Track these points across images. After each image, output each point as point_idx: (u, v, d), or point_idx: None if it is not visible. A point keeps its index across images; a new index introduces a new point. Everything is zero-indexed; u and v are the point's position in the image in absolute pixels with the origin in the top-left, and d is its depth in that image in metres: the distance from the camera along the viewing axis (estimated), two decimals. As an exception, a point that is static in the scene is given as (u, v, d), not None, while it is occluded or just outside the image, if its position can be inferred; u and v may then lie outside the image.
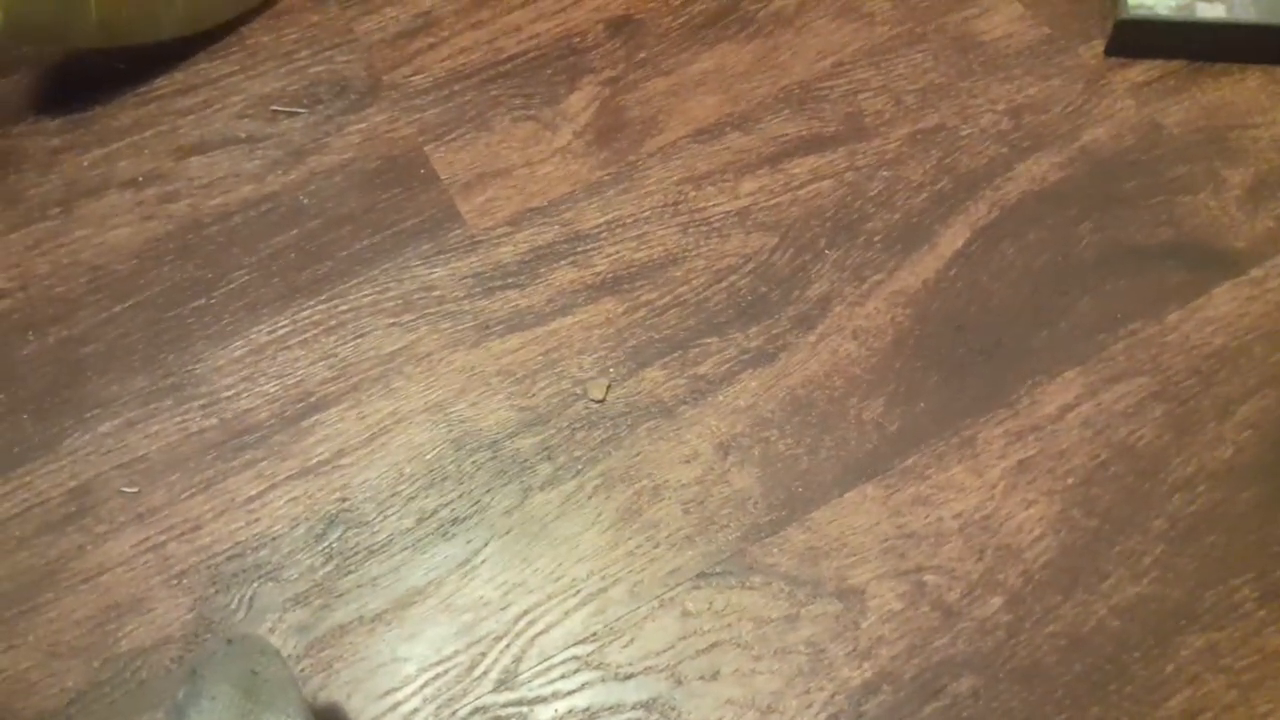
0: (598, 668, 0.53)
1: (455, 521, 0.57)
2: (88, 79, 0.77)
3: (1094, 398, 0.59)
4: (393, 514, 0.58)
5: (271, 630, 0.55)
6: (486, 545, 0.57)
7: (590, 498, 0.58)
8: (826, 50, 0.75)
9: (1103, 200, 0.66)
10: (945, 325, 0.62)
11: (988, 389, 0.60)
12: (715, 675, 0.52)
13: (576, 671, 0.53)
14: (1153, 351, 0.60)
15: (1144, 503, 0.56)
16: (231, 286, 0.67)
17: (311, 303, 0.66)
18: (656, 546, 0.56)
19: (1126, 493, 0.56)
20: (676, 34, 0.76)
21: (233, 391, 0.63)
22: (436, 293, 0.66)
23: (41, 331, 0.66)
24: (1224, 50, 0.71)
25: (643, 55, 0.76)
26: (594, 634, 0.54)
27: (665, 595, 0.54)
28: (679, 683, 0.52)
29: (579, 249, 0.67)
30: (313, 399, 0.62)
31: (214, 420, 0.62)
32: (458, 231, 0.68)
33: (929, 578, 0.54)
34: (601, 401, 0.61)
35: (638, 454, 0.59)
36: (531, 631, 0.54)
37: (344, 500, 0.58)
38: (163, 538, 0.58)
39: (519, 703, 0.52)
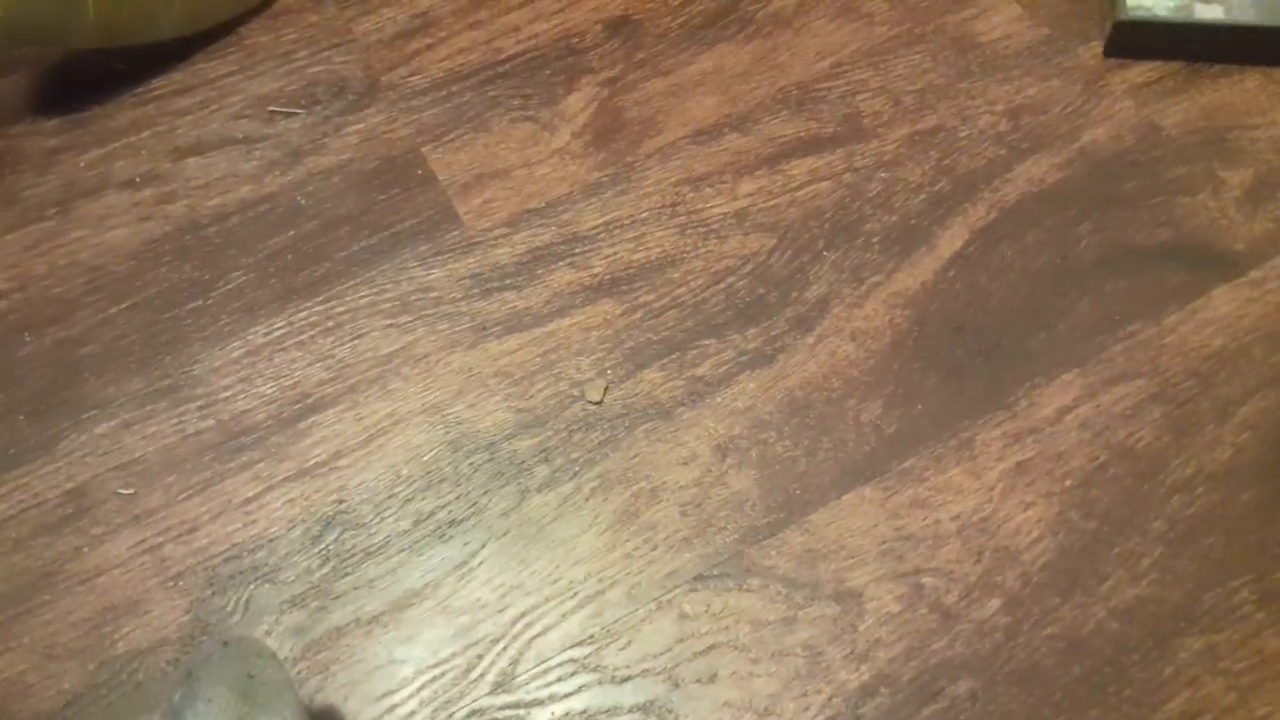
0: (595, 670, 0.53)
1: (452, 523, 0.57)
2: (85, 79, 0.77)
3: (1093, 399, 0.59)
4: (390, 516, 0.58)
5: (268, 632, 0.54)
6: (484, 547, 0.56)
7: (588, 500, 0.58)
8: (825, 51, 0.75)
9: (1101, 201, 0.66)
10: (944, 327, 0.62)
11: (986, 391, 0.60)
12: (713, 678, 0.52)
13: (574, 674, 0.52)
14: (1151, 353, 0.60)
15: (1143, 505, 0.56)
16: (229, 287, 0.67)
17: (309, 304, 0.66)
18: (654, 549, 0.56)
19: (1125, 495, 0.56)
20: (675, 34, 0.76)
21: (230, 393, 0.63)
22: (434, 294, 0.66)
23: (39, 332, 0.66)
24: (1223, 51, 0.71)
25: (641, 56, 0.75)
26: (591, 636, 0.53)
27: (663, 597, 0.54)
28: (676, 685, 0.52)
29: (577, 250, 0.67)
30: (310, 400, 0.62)
31: (211, 422, 0.62)
32: (455, 233, 0.68)
33: (927, 580, 0.54)
34: (599, 403, 0.61)
35: (635, 456, 0.59)
36: (529, 634, 0.54)
37: (341, 502, 0.58)
38: (159, 539, 0.58)
39: (516, 705, 0.52)
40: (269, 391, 0.62)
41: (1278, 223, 0.65)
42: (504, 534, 0.57)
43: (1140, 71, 0.72)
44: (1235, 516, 0.55)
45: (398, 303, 0.65)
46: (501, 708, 0.52)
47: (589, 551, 0.56)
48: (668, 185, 0.69)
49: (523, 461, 0.59)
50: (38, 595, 0.56)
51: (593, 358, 0.62)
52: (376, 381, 0.62)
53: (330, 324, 0.65)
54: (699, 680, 0.52)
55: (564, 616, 0.54)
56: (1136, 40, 0.71)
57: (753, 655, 0.52)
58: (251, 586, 0.56)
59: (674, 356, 0.62)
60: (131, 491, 0.59)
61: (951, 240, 0.65)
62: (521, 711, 0.52)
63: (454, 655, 0.53)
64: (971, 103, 0.71)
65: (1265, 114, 0.69)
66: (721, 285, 0.65)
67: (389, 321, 0.65)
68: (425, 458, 0.60)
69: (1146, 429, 0.58)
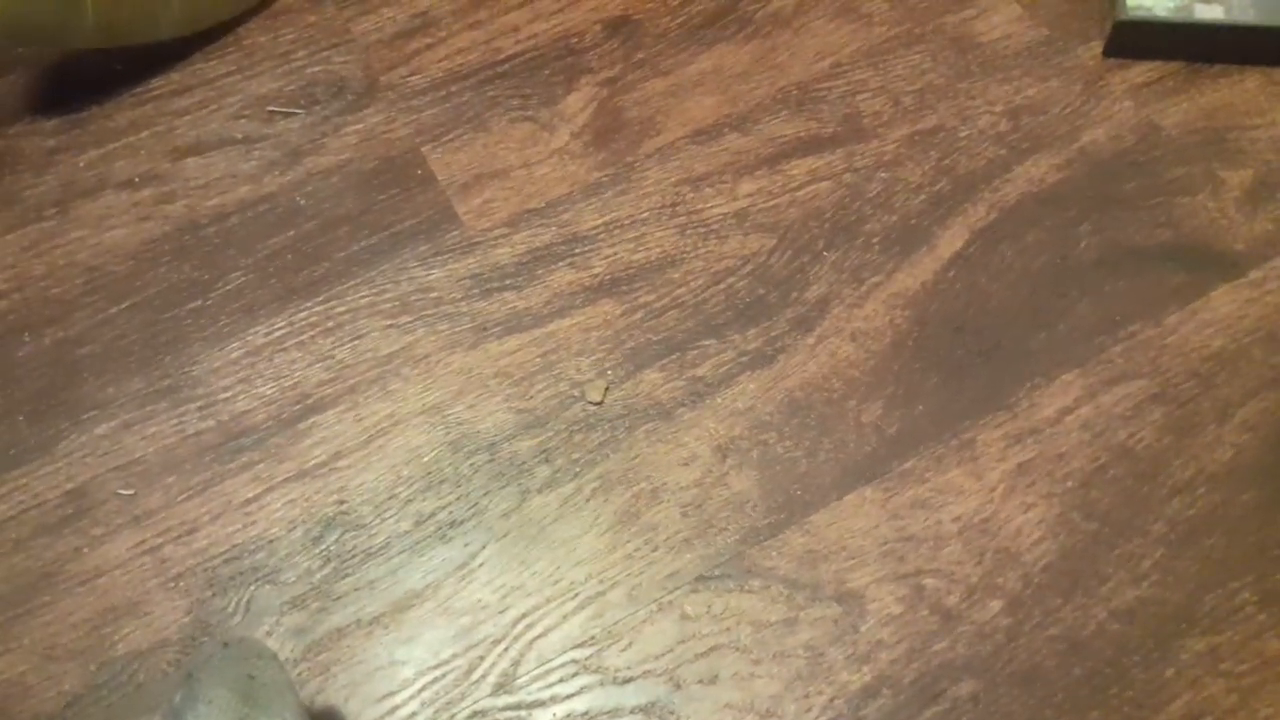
0: (596, 671, 0.53)
1: (453, 524, 0.57)
2: (84, 79, 0.77)
3: (1093, 400, 0.59)
4: (390, 517, 0.58)
5: (268, 633, 0.54)
6: (484, 548, 0.56)
7: (588, 500, 0.58)
8: (825, 51, 0.75)
9: (1101, 202, 0.66)
10: (944, 327, 0.62)
11: (986, 391, 0.60)
12: (714, 679, 0.52)
13: (575, 675, 0.52)
14: (1151, 354, 0.60)
15: (1143, 506, 0.56)
16: (228, 288, 0.67)
17: (308, 304, 0.66)
18: (655, 550, 0.56)
19: (1126, 495, 0.56)
20: (674, 34, 0.76)
21: (229, 393, 0.62)
22: (434, 294, 0.65)
23: (38, 333, 0.66)
24: (1222, 51, 0.71)
25: (640, 56, 0.75)
26: (592, 637, 0.53)
27: (664, 598, 0.54)
28: (677, 686, 0.52)
29: (577, 250, 0.67)
30: (310, 401, 0.62)
31: (211, 422, 0.61)
32: (455, 233, 0.68)
33: (928, 581, 0.54)
34: (599, 404, 0.61)
35: (636, 456, 0.59)
36: (529, 635, 0.54)
37: (341, 503, 0.58)
38: (159, 540, 0.58)
39: (517, 706, 0.52)
40: (269, 392, 0.62)
41: (1277, 223, 0.65)
42: (505, 535, 0.57)
43: (1140, 71, 0.72)
44: (1236, 517, 0.55)
45: (397, 303, 0.65)
46: (503, 709, 0.52)
47: (590, 552, 0.56)
48: (667, 185, 0.69)
49: (523, 462, 0.59)
50: (38, 596, 0.56)
51: (593, 358, 0.62)
52: (376, 382, 0.62)
53: (330, 324, 0.65)
54: (700, 681, 0.52)
55: (565, 618, 0.54)
56: (1136, 40, 0.71)
57: (754, 656, 0.52)
58: (252, 587, 0.56)
59: (674, 357, 0.62)
60: (131, 492, 0.59)
61: (951, 240, 0.65)
62: (523, 713, 0.52)
63: (455, 656, 0.53)
64: (971, 103, 0.71)
65: (1265, 114, 0.69)
66: (721, 285, 0.65)
67: (389, 322, 0.65)
68: (426, 458, 0.59)
69: (1147, 430, 0.58)
